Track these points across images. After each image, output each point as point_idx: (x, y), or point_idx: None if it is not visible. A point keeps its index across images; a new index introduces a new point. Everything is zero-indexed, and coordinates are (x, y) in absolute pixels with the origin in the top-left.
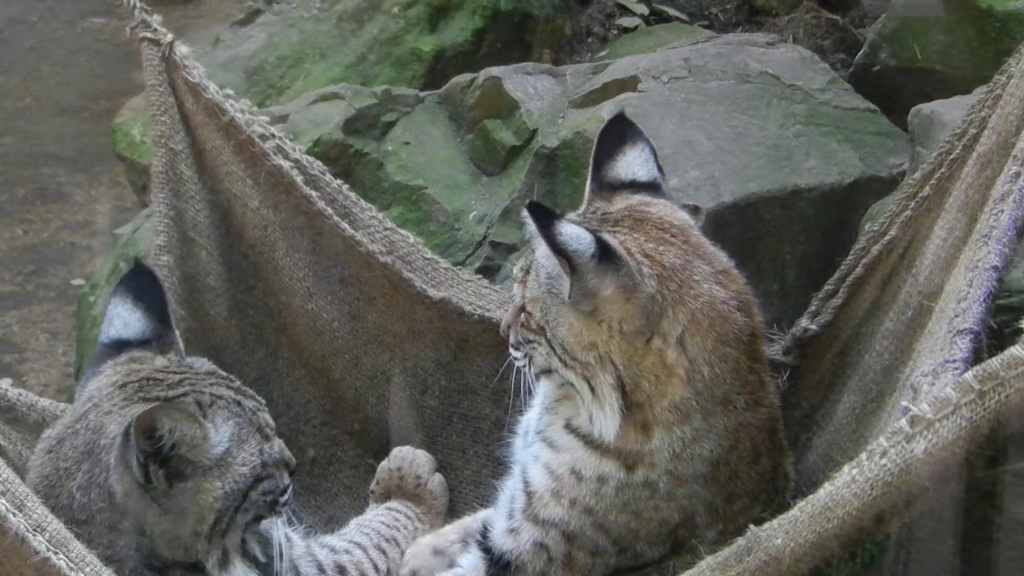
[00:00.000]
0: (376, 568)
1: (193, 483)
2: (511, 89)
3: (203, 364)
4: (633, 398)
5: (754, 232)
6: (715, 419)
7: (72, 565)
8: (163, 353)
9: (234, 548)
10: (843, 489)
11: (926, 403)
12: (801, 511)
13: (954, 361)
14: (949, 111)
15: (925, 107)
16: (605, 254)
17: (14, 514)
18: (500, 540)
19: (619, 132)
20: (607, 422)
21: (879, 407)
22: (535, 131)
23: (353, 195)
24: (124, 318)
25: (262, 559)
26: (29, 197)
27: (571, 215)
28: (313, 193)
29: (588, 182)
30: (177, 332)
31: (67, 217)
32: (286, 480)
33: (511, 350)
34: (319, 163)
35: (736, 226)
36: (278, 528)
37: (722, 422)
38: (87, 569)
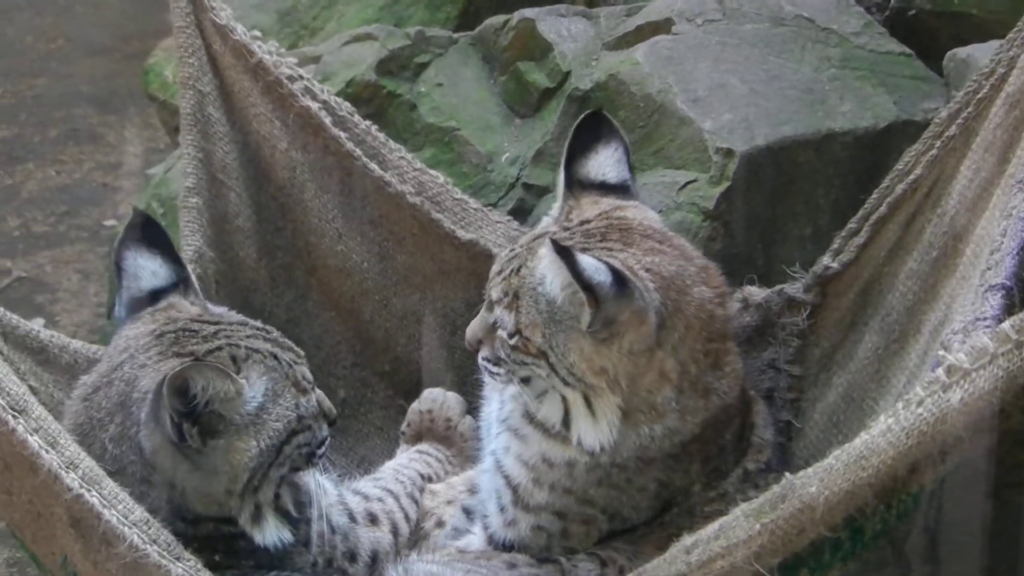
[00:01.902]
0: (407, 518)
1: (226, 441)
2: (544, 31)
3: (231, 314)
4: (626, 413)
5: (787, 176)
6: (694, 415)
7: (105, 502)
8: (185, 296)
9: (267, 502)
10: (879, 438)
11: (963, 353)
12: (836, 459)
13: (985, 319)
14: (985, 56)
15: (960, 51)
16: (620, 282)
17: (47, 451)
18: (501, 532)
19: (594, 129)
20: (598, 436)
21: (902, 348)
22: (568, 73)
23: (382, 136)
24: (151, 268)
25: (294, 514)
26: (61, 138)
27: (548, 221)
28: (342, 134)
29: (561, 178)
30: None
31: (99, 158)
32: (324, 432)
33: (485, 363)
34: (347, 104)
35: (769, 169)
36: (312, 475)
37: (701, 415)
38: (119, 507)
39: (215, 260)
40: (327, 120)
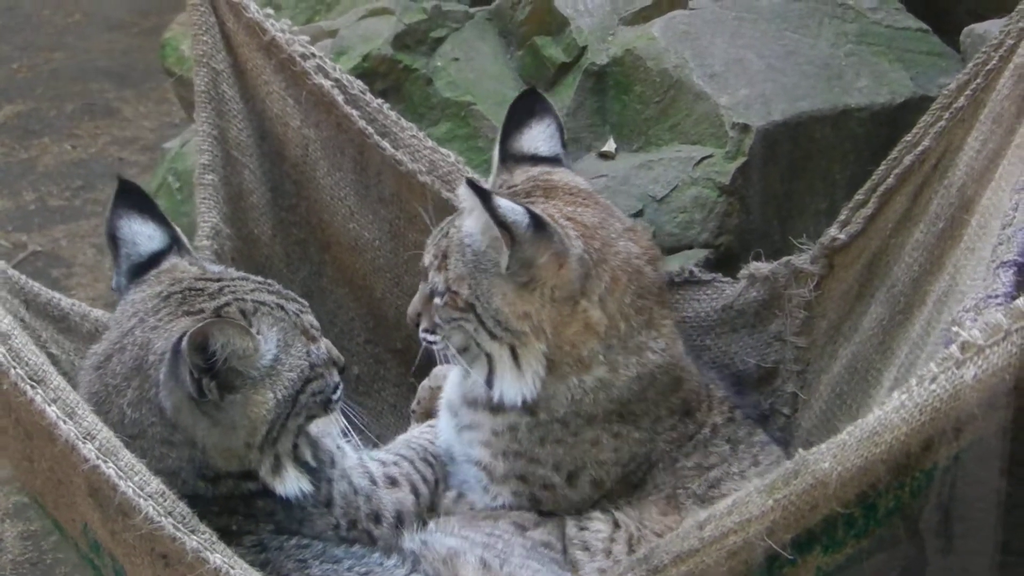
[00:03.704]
0: (425, 480)
1: (243, 395)
2: (561, 6)
3: (231, 271)
4: (552, 362)
5: (804, 151)
6: (626, 369)
7: (121, 473)
8: (180, 256)
9: (286, 453)
10: (892, 414)
11: (977, 329)
12: (849, 435)
13: (996, 296)
14: None
15: (977, 27)
16: (537, 224)
17: (65, 422)
18: (491, 506)
19: (528, 106)
20: (521, 388)
21: (907, 319)
22: (585, 48)
23: (393, 114)
24: (146, 233)
25: (313, 463)
26: (78, 112)
27: None
28: (354, 112)
29: (495, 152)
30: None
31: (115, 132)
32: (336, 378)
33: (424, 336)
34: (359, 82)
35: (786, 145)
36: (331, 438)
37: (635, 370)
38: (136, 478)
39: (231, 237)
40: (339, 98)
